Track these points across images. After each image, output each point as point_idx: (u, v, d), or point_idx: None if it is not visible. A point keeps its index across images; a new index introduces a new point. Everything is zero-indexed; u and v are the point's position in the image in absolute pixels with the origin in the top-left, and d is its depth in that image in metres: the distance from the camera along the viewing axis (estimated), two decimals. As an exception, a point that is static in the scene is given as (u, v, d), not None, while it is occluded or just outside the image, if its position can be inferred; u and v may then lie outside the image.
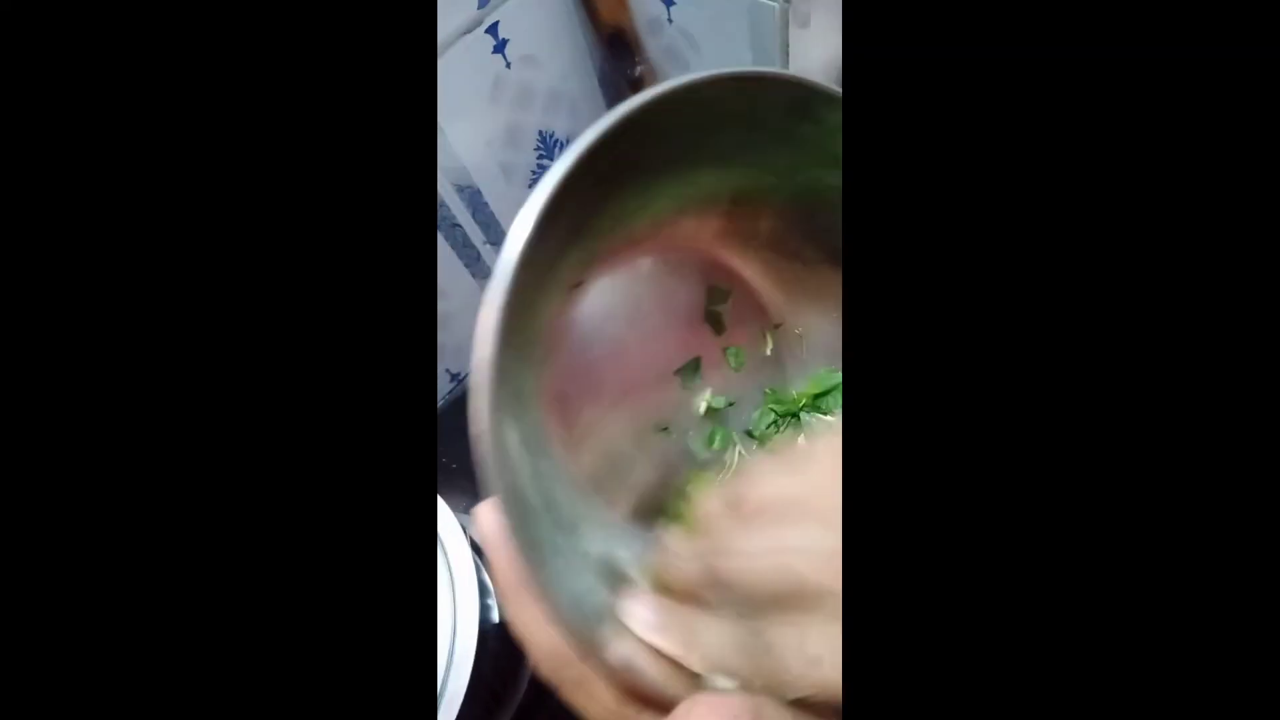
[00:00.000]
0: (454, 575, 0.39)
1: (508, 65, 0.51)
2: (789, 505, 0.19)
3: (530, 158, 0.57)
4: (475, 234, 0.57)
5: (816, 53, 0.49)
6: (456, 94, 0.49)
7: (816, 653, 0.17)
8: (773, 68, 0.31)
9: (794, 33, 0.46)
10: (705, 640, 0.18)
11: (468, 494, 0.57)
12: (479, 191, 0.55)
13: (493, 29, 0.49)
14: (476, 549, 0.42)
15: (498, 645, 0.43)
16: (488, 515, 0.19)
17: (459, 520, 0.42)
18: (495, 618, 0.42)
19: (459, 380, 0.64)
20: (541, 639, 0.18)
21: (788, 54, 0.46)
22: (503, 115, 0.53)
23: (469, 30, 0.47)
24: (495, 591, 0.18)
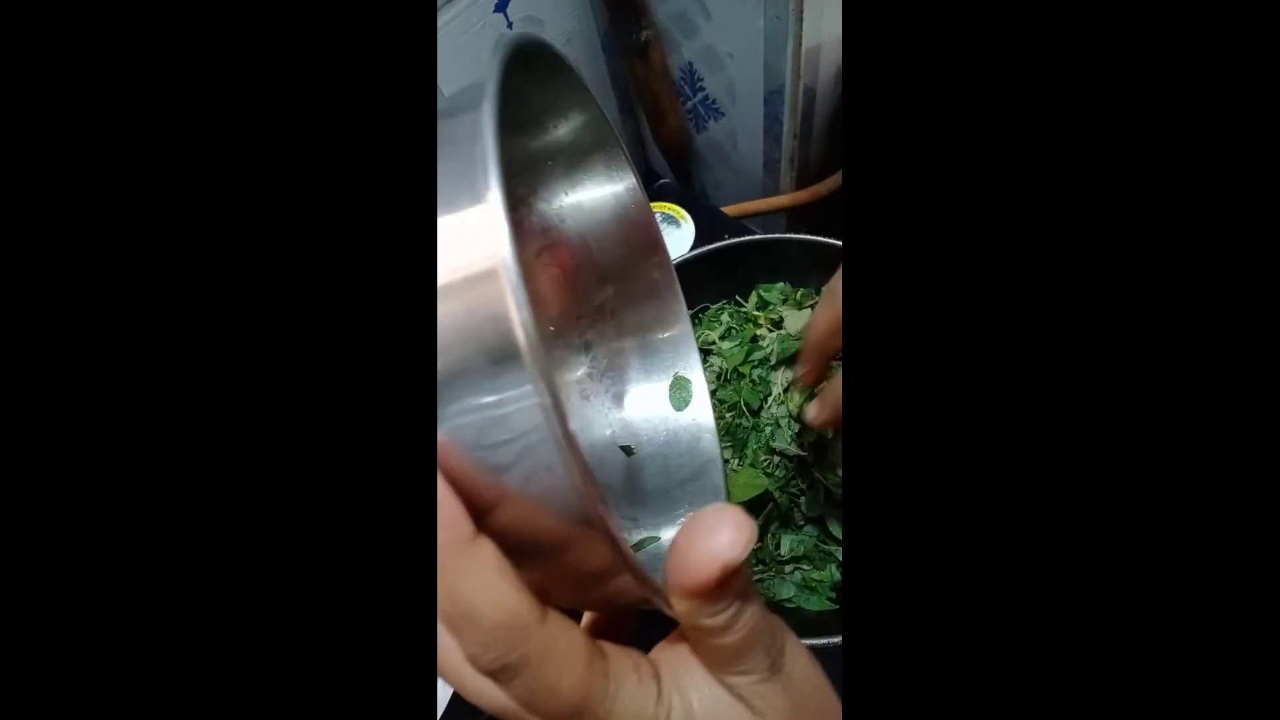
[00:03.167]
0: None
1: (509, 26, 0.50)
2: None
3: (531, 124, 0.56)
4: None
5: (829, 21, 0.48)
6: (456, 54, 0.47)
7: None
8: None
9: (809, 1, 0.44)
10: None
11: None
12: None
13: (495, -13, 0.47)
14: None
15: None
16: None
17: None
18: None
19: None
20: (497, 602, 0.15)
21: (801, 20, 0.45)
22: (504, 78, 0.52)
23: (470, -12, 0.46)
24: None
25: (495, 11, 0.48)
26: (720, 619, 0.16)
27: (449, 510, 0.15)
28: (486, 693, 0.17)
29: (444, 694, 0.35)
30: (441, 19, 0.45)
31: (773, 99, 0.52)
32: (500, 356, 0.13)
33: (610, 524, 0.14)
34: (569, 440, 0.13)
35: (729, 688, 0.17)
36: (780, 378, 0.42)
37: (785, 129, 0.54)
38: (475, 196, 0.13)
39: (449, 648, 0.17)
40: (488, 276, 0.13)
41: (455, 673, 0.17)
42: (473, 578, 0.15)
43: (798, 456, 0.40)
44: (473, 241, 0.13)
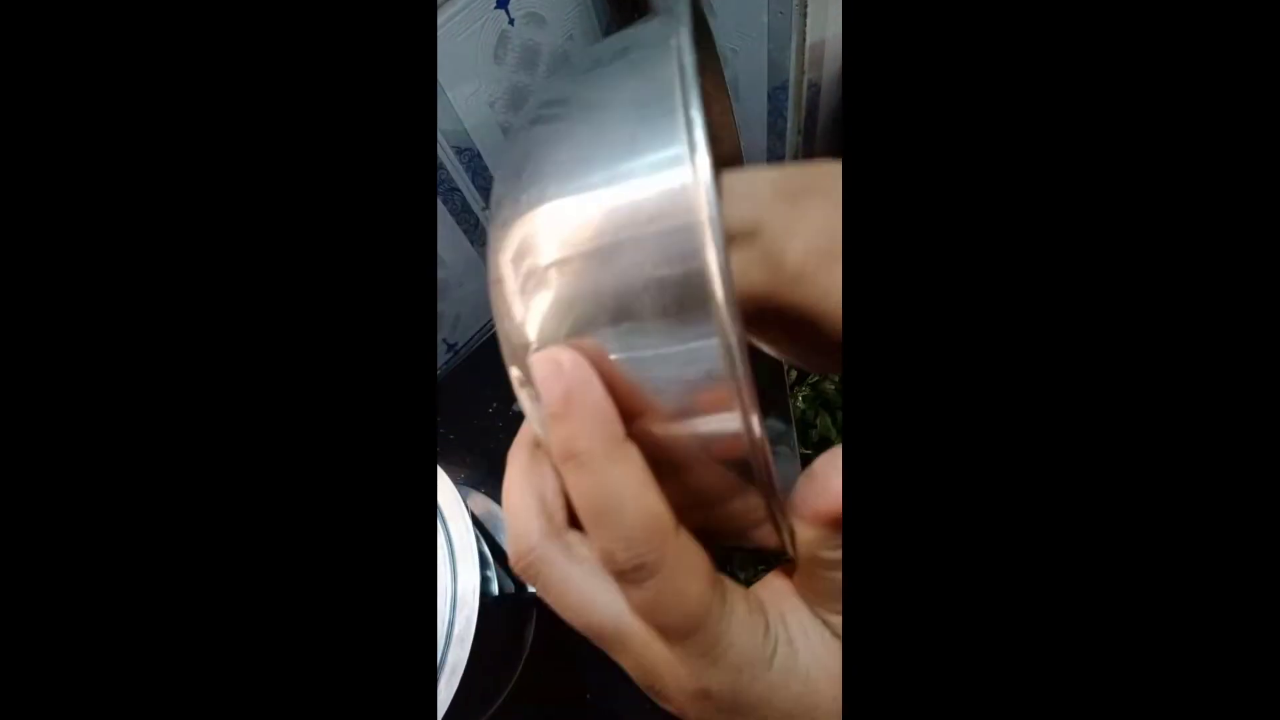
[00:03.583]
0: (454, 548, 0.39)
1: (511, 22, 0.49)
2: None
3: (533, 121, 0.56)
4: (474, 200, 0.55)
5: (833, 16, 0.47)
6: (458, 51, 0.47)
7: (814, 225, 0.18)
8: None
9: (812, -7, 0.44)
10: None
11: (467, 466, 0.56)
12: (479, 155, 0.53)
13: (496, -17, 0.47)
14: (477, 522, 0.41)
15: (499, 617, 0.43)
16: (564, 353, 0.15)
17: (459, 492, 0.41)
18: (495, 590, 0.42)
19: (456, 351, 0.63)
20: (642, 503, 0.15)
21: (805, 16, 0.45)
22: (506, 75, 0.51)
23: (471, -16, 0.45)
24: (574, 455, 0.16)
25: (497, 8, 0.48)
26: (839, 552, 0.16)
27: (604, 409, 0.15)
28: (590, 603, 0.17)
29: (444, 694, 0.34)
30: (442, 16, 0.45)
31: (776, 95, 0.52)
32: (693, 298, 0.14)
33: (767, 445, 0.15)
34: (748, 370, 0.14)
35: (830, 627, 0.18)
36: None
37: (789, 125, 0.53)
38: (679, 151, 0.14)
39: (554, 559, 0.17)
40: (692, 228, 0.14)
41: (561, 577, 0.17)
42: (622, 475, 0.15)
43: (801, 455, 0.40)
44: (679, 193, 0.14)
